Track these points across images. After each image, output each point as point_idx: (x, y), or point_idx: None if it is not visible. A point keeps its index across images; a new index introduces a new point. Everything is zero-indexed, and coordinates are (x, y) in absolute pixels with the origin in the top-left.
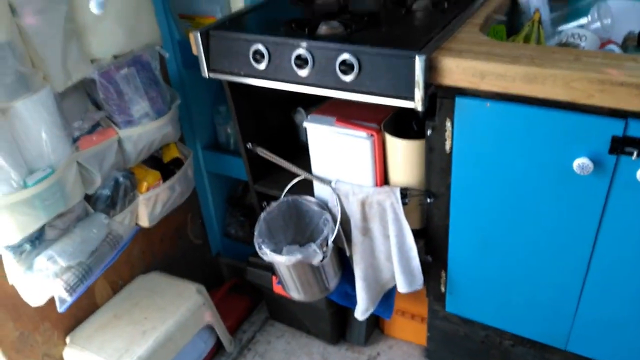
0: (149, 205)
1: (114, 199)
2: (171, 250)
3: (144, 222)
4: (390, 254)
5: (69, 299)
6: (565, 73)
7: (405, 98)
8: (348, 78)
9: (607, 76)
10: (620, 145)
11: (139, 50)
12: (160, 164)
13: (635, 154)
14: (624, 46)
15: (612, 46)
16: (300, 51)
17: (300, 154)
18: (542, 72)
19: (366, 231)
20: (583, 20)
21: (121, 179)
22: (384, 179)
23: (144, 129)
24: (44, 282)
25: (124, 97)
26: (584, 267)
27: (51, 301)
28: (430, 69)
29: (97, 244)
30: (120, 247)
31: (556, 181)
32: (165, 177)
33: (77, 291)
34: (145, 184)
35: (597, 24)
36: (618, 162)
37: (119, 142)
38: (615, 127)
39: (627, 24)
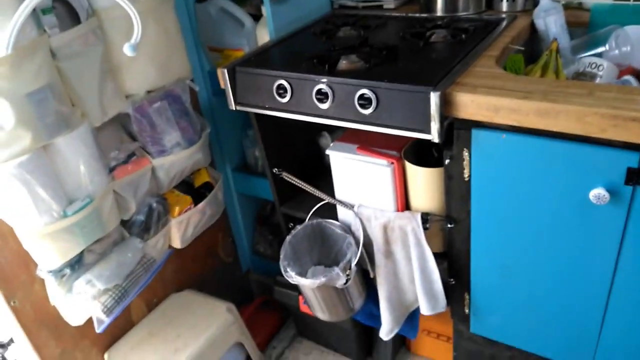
0: (181, 228)
1: (148, 223)
2: (203, 268)
3: (177, 244)
4: (413, 277)
5: (107, 320)
6: (578, 109)
7: (422, 131)
8: (367, 111)
9: (619, 112)
10: (635, 177)
11: (171, 84)
12: (192, 188)
13: None
14: None
15: (628, 77)
16: (321, 86)
17: (325, 175)
18: (555, 108)
19: (389, 254)
20: (602, 48)
21: (154, 205)
22: (405, 204)
23: (176, 158)
24: (83, 303)
25: (157, 128)
26: (605, 293)
27: (90, 320)
28: (446, 103)
29: (132, 267)
30: (154, 270)
31: (573, 210)
32: (196, 200)
33: (114, 312)
34: (177, 209)
35: (616, 52)
36: (634, 193)
37: (153, 170)
38: (630, 159)
39: None
